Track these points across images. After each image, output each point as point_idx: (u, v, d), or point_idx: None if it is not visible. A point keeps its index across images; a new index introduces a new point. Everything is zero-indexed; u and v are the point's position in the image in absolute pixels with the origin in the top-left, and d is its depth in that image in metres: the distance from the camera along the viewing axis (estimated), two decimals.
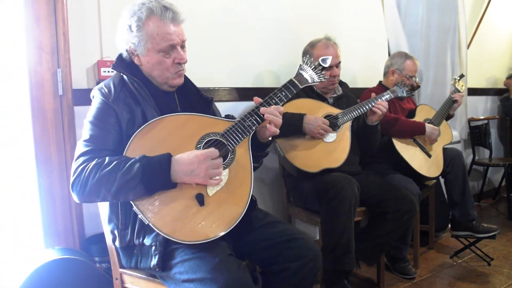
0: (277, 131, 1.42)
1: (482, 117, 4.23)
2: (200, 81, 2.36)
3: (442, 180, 2.98)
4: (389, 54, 3.35)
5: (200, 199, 1.24)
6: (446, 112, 2.79)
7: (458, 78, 2.93)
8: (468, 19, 3.91)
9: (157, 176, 1.20)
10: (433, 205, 2.90)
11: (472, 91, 4.10)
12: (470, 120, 4.05)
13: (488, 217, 3.78)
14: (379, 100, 2.17)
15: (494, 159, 4.14)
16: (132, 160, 1.23)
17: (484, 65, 4.41)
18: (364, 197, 2.10)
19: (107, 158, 1.25)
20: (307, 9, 2.87)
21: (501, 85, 4.57)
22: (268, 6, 2.68)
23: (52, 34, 1.92)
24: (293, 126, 2.06)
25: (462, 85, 2.92)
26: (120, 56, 1.48)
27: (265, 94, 1.50)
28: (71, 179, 1.27)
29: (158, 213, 1.21)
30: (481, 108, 4.43)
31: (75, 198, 1.28)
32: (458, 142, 3.86)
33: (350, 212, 1.93)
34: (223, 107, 2.45)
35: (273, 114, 1.40)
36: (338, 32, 2.68)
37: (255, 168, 1.59)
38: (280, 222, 1.53)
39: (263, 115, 1.40)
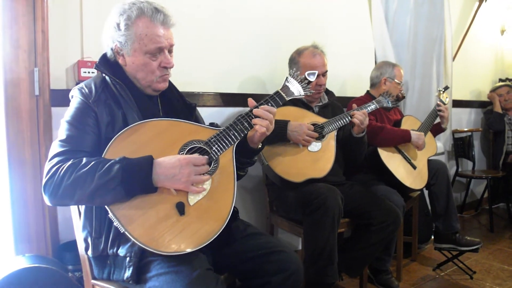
0: (265, 131, 1.38)
1: (466, 129, 4.26)
2: (183, 85, 2.31)
3: (426, 192, 2.98)
4: (375, 64, 3.34)
5: (181, 208, 1.19)
6: (431, 123, 2.79)
7: (443, 89, 2.93)
8: (454, 31, 3.94)
9: (137, 178, 1.15)
10: (417, 216, 2.88)
11: (457, 103, 4.14)
12: (454, 132, 4.07)
13: (470, 229, 3.79)
14: (359, 110, 2.15)
15: (477, 171, 4.16)
16: (112, 161, 1.17)
17: (468, 77, 4.45)
18: (348, 208, 2.06)
19: (84, 159, 1.19)
20: (295, 15, 2.84)
21: (484, 98, 4.62)
22: (256, 10, 2.64)
23: (30, 32, 1.84)
24: (278, 133, 2.01)
25: (447, 97, 2.92)
26: (104, 55, 1.43)
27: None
28: (44, 180, 1.20)
29: (135, 221, 1.15)
30: (465, 120, 4.47)
31: (46, 200, 1.21)
32: (442, 153, 3.87)
33: (333, 224, 1.89)
34: (207, 113, 2.41)
35: (264, 115, 1.37)
36: (326, 39, 2.65)
37: (240, 177, 1.56)
38: (261, 234, 1.48)
39: (251, 122, 1.36)
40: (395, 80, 2.75)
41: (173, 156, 1.22)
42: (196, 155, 1.23)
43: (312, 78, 1.53)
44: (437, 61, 3.71)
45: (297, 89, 1.49)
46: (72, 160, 1.20)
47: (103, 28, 1.41)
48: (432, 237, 3.15)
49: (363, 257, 2.16)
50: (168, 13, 1.38)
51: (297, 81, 1.50)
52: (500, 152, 4.25)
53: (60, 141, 1.27)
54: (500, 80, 4.73)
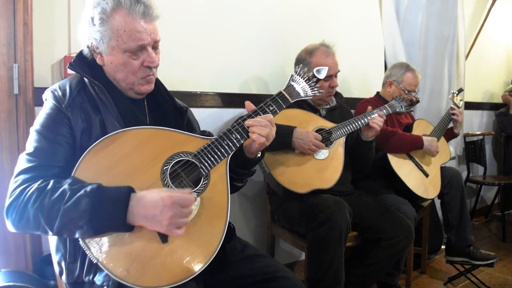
0: (265, 142, 1.21)
1: (478, 133, 4.07)
2: (179, 84, 2.15)
3: (436, 200, 2.80)
4: (385, 63, 3.17)
5: (163, 235, 1.02)
6: (445, 128, 2.62)
7: (457, 92, 2.76)
8: (466, 30, 3.75)
9: (109, 217, 0.98)
10: (427, 227, 2.72)
11: (468, 105, 3.96)
12: (465, 136, 3.89)
13: (481, 238, 3.61)
14: (376, 114, 1.97)
15: (488, 177, 3.98)
16: (81, 192, 0.99)
17: (480, 78, 4.27)
18: (356, 220, 1.90)
19: (51, 182, 1.02)
20: (301, 12, 2.66)
21: (496, 100, 4.43)
22: (259, 2, 2.46)
23: (9, 24, 1.68)
24: (282, 139, 1.84)
25: (461, 100, 2.75)
26: (81, 53, 1.25)
27: (252, 101, 1.29)
28: (7, 202, 1.04)
29: (109, 250, 0.98)
30: (476, 123, 4.28)
31: (9, 226, 1.04)
32: (453, 158, 3.69)
33: (340, 241, 1.72)
34: (205, 114, 2.24)
35: (260, 124, 1.19)
36: (333, 37, 2.47)
37: (237, 188, 1.39)
38: (261, 256, 1.32)
39: (248, 130, 1.19)
40: (400, 86, 2.55)
41: (157, 191, 1.02)
42: (185, 194, 1.03)
43: (321, 75, 1.35)
44: (449, 61, 3.55)
45: (303, 89, 1.30)
46: (40, 181, 1.03)
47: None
48: (443, 247, 3.00)
49: (371, 274, 1.99)
50: (150, 3, 1.19)
51: (303, 79, 1.31)
52: None
53: (28, 154, 1.10)
54: None
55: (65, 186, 1.00)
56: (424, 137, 2.38)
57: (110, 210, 0.98)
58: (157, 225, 1.01)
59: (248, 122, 1.20)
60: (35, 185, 1.02)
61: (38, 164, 1.08)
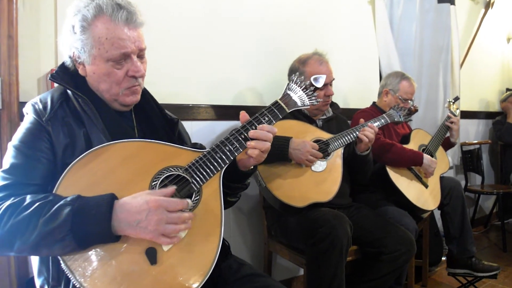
0: (263, 157, 1.16)
1: (474, 142, 4.04)
2: (171, 97, 2.09)
3: (436, 211, 2.75)
4: (380, 73, 3.14)
5: (152, 256, 0.94)
6: (443, 137, 2.58)
7: (453, 101, 2.73)
8: (460, 39, 3.74)
9: (92, 225, 0.90)
10: (428, 239, 2.65)
11: (464, 114, 3.92)
12: (462, 145, 3.85)
13: (481, 249, 3.54)
14: (370, 124, 1.92)
15: (486, 186, 3.94)
16: (61, 202, 0.92)
17: (475, 87, 4.25)
18: (356, 234, 1.83)
19: (27, 197, 0.95)
20: (295, 23, 2.62)
21: (492, 108, 4.41)
22: (252, 13, 2.41)
23: None
24: (278, 150, 1.78)
25: (457, 108, 2.72)
26: (63, 64, 1.19)
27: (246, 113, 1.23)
28: None
29: (93, 273, 0.91)
30: (472, 132, 4.25)
31: None
32: (451, 168, 3.65)
33: (341, 256, 1.65)
34: (198, 127, 2.18)
35: (262, 138, 1.13)
36: (328, 47, 2.43)
37: (231, 204, 1.32)
38: (258, 275, 1.25)
39: (245, 142, 1.13)
40: (397, 95, 2.52)
41: (141, 195, 0.96)
42: (170, 195, 0.97)
43: (319, 84, 1.30)
44: (444, 70, 3.52)
45: (300, 99, 1.24)
46: (12, 198, 0.95)
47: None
48: (443, 258, 2.93)
49: None
50: (133, 9, 1.13)
51: (300, 88, 1.25)
52: (511, 165, 4.03)
53: (3, 171, 1.03)
54: (508, 90, 4.52)
55: (42, 200, 0.93)
56: (425, 156, 2.32)
57: (93, 218, 0.90)
58: (142, 232, 0.93)
59: (252, 133, 1.13)
60: (8, 202, 0.95)
61: (13, 182, 1.01)
